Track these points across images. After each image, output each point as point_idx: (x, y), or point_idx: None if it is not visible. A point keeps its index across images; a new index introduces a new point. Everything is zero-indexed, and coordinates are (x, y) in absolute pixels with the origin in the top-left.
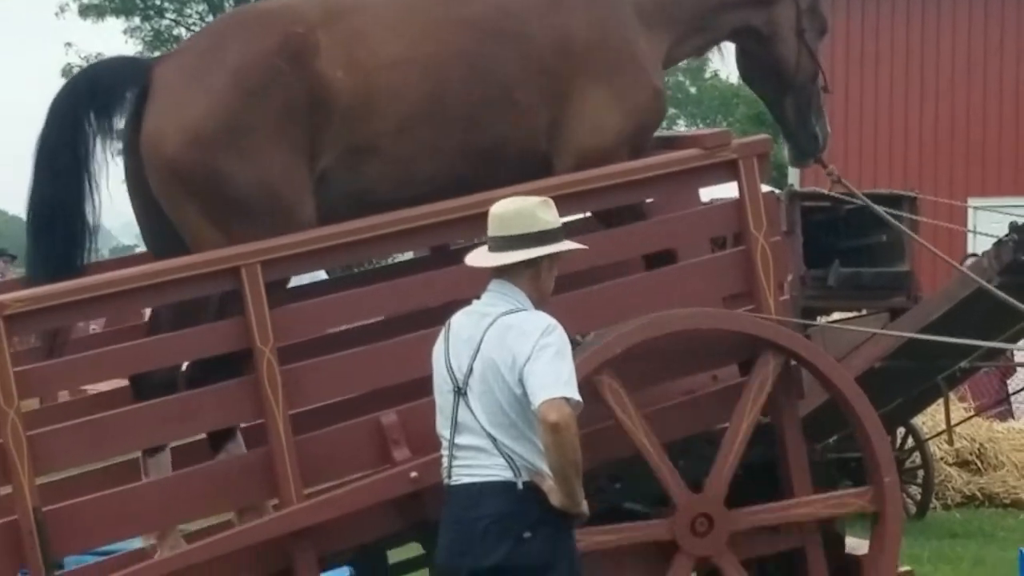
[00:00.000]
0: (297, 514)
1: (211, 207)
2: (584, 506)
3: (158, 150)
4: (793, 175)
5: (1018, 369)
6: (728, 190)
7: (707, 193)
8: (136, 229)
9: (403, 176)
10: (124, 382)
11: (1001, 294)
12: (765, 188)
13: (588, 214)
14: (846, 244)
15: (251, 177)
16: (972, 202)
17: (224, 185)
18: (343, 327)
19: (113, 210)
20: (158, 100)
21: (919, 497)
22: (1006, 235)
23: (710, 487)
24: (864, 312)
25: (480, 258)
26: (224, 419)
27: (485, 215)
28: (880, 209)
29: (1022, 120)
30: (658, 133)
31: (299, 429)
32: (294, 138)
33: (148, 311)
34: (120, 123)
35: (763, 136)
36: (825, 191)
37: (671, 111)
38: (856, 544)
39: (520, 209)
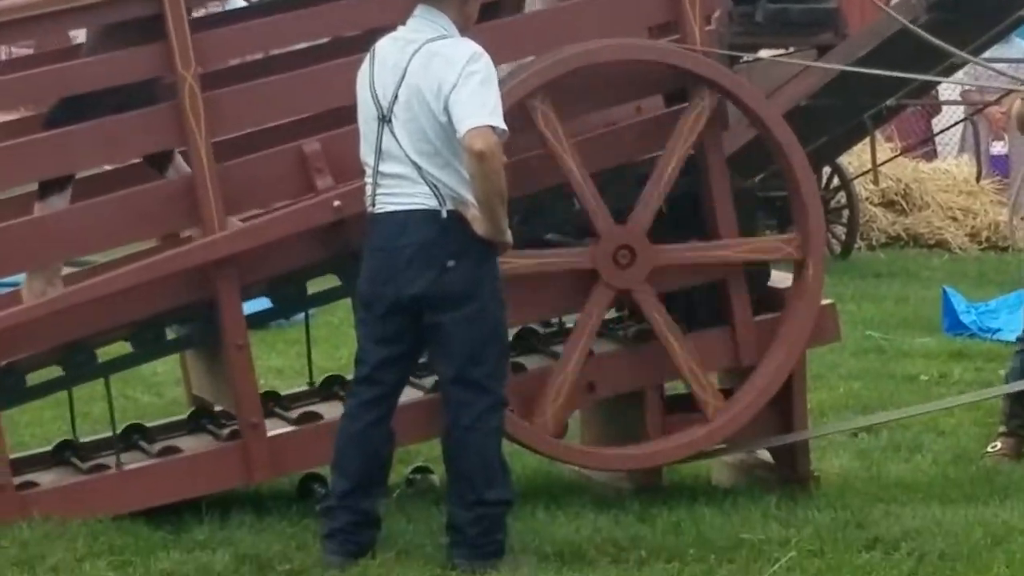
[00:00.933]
0: (219, 242)
1: None
2: (508, 235)
3: None
4: None
5: (944, 108)
6: None
7: None
8: None
9: None
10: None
11: (924, 34)
12: None
13: None
14: None
15: None
16: None
17: None
18: (267, 53)
19: None
20: None
21: (844, 237)
22: None
23: (635, 218)
24: (791, 49)
25: None
26: (145, 146)
27: None
28: None
29: None
30: None
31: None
32: None
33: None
34: None
35: None
36: None
37: None
38: (781, 278)
39: None
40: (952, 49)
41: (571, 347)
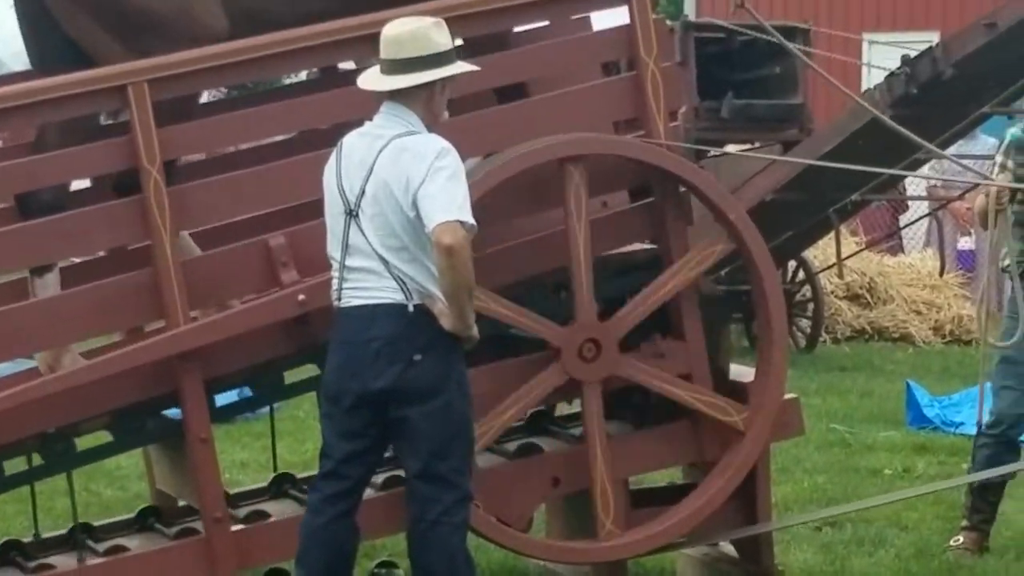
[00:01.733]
0: (183, 336)
1: (113, 21)
2: (475, 329)
3: None
4: (689, 6)
5: (909, 204)
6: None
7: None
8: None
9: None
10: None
11: (894, 124)
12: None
13: None
14: (740, 76)
15: None
16: (867, 36)
17: None
18: (233, 148)
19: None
20: None
21: (809, 331)
22: (898, 68)
23: (617, 320)
24: (757, 144)
25: (375, 81)
26: (112, 240)
27: (370, 36)
28: (779, 36)
29: None
30: None
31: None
32: None
33: None
34: None
35: None
36: (719, 22)
37: None
38: (742, 372)
39: (414, 31)
40: (920, 141)
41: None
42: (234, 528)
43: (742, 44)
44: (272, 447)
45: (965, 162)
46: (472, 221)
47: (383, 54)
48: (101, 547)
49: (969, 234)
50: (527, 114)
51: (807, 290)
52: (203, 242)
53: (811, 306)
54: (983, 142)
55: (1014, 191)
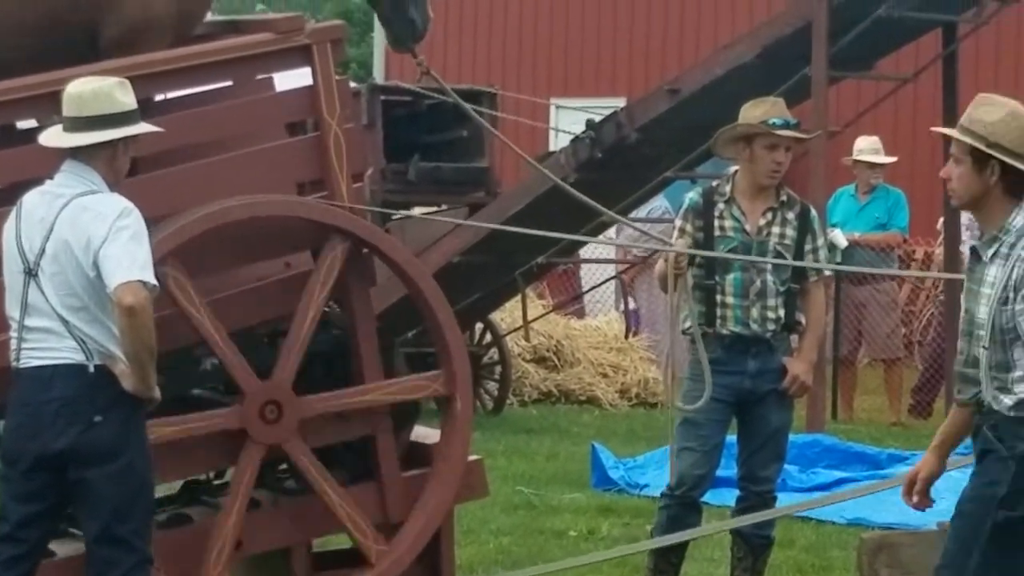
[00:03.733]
0: None
1: None
2: (156, 391)
3: None
4: (377, 69)
5: (595, 266)
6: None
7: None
8: None
9: None
10: None
11: (574, 191)
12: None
13: None
14: (427, 139)
15: None
16: (555, 101)
17: None
18: None
19: None
20: None
21: (496, 393)
22: (583, 132)
23: (278, 373)
24: (444, 207)
25: (57, 138)
26: None
27: (52, 94)
28: (464, 103)
29: (603, 22)
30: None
31: None
32: None
33: None
34: None
35: (337, 22)
36: (405, 85)
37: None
38: (426, 433)
39: (97, 90)
40: (598, 207)
41: (227, 510)
42: None
43: (429, 107)
44: None
45: (644, 226)
46: (154, 281)
47: (66, 111)
48: None
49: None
50: (210, 174)
51: (494, 352)
52: None
53: (498, 368)
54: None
55: (693, 255)
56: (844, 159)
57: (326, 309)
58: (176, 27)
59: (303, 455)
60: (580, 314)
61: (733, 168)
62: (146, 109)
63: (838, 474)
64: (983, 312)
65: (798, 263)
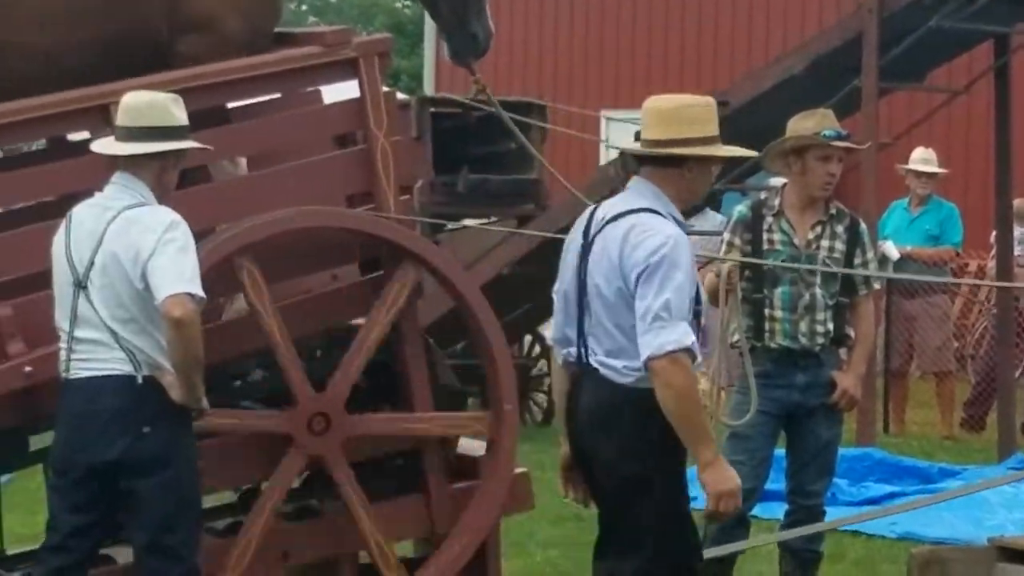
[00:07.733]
0: None
1: None
2: (204, 402)
3: None
4: (428, 81)
5: None
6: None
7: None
8: None
9: (44, 71)
10: None
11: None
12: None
13: None
14: (476, 151)
15: None
16: (605, 113)
17: None
18: None
19: None
20: None
21: (545, 405)
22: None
23: (332, 388)
24: (493, 219)
25: (110, 146)
26: None
27: (105, 107)
28: (511, 124)
29: (655, 35)
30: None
31: None
32: None
33: None
34: None
35: (385, 35)
36: (455, 97)
37: (311, 19)
38: (474, 445)
39: (153, 102)
40: None
41: (257, 512)
42: None
43: (478, 119)
44: None
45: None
46: (201, 293)
47: (120, 121)
48: None
49: None
50: (258, 187)
51: (544, 364)
52: None
53: (547, 380)
54: (712, 219)
55: (743, 269)
56: (898, 166)
57: None
58: (248, 44)
59: (342, 472)
60: None
61: (781, 181)
62: (200, 120)
63: (889, 488)
64: None
65: (847, 270)
